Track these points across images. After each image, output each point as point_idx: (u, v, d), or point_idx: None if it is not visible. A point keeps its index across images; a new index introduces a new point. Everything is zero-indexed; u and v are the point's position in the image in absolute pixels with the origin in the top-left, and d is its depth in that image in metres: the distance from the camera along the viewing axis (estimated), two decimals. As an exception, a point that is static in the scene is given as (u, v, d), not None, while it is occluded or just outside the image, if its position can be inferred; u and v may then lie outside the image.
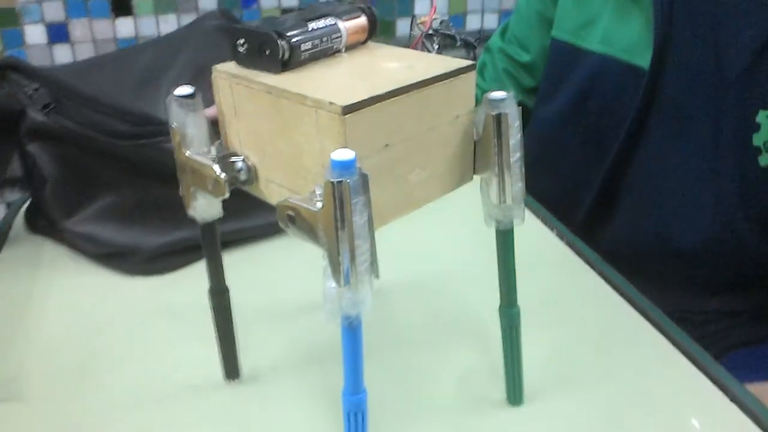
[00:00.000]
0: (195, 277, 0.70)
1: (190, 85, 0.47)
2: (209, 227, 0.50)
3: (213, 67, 0.47)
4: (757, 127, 0.80)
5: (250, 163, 0.47)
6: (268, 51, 0.44)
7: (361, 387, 0.44)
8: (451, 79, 0.44)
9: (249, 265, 0.74)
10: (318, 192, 0.40)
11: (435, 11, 0.54)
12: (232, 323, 0.55)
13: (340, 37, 0.47)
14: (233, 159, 0.47)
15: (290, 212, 0.40)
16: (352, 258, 0.39)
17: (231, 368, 0.56)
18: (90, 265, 0.76)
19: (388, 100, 0.41)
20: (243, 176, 0.47)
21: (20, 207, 0.88)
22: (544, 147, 1.02)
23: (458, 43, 0.52)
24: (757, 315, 0.91)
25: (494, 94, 0.45)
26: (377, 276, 0.41)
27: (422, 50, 0.54)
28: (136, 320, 0.67)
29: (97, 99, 0.71)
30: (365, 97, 0.39)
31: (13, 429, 0.54)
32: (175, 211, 0.52)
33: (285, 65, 0.44)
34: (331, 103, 0.39)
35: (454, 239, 0.80)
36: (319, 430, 0.53)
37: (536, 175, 1.11)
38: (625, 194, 0.93)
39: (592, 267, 0.74)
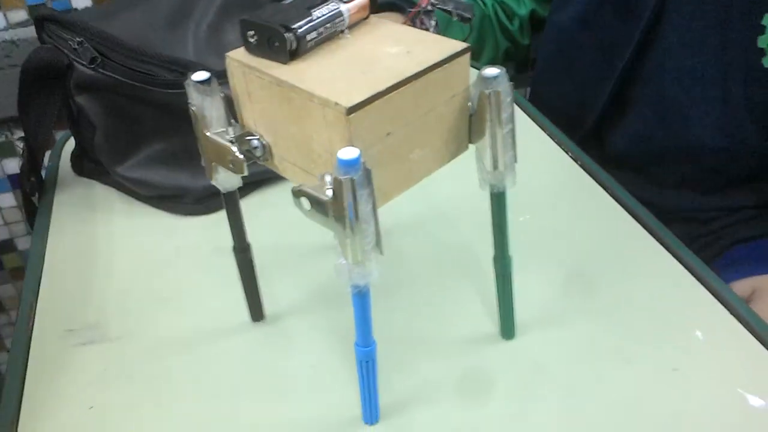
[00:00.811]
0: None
1: (206, 71, 0.51)
2: (231, 195, 0.56)
3: (226, 54, 0.51)
4: (761, 30, 0.83)
5: (264, 142, 0.51)
6: (277, 43, 0.47)
7: (370, 340, 0.50)
8: (447, 64, 0.48)
9: (268, 207, 0.81)
10: (327, 179, 0.44)
11: None
12: (255, 274, 0.61)
13: (343, 20, 0.50)
14: (249, 138, 0.52)
15: (303, 197, 0.46)
16: (360, 239, 0.44)
17: (256, 312, 0.64)
18: (142, 207, 0.83)
19: (388, 95, 0.45)
20: (258, 153, 0.52)
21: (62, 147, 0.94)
22: (560, 51, 1.07)
23: (455, 18, 0.54)
24: (762, 210, 0.99)
25: (487, 72, 0.49)
26: (381, 252, 0.46)
27: (420, 26, 0.57)
28: (194, 258, 0.74)
29: (142, 50, 0.74)
30: (367, 95, 0.43)
31: (97, 370, 0.61)
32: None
33: (293, 55, 0.48)
34: (336, 104, 0.43)
35: (458, 181, 0.84)
36: (335, 366, 0.60)
37: (551, 79, 1.16)
38: (637, 96, 0.98)
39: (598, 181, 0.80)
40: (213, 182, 0.55)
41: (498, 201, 0.55)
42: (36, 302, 0.69)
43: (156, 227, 0.80)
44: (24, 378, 0.61)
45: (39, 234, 0.79)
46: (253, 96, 0.50)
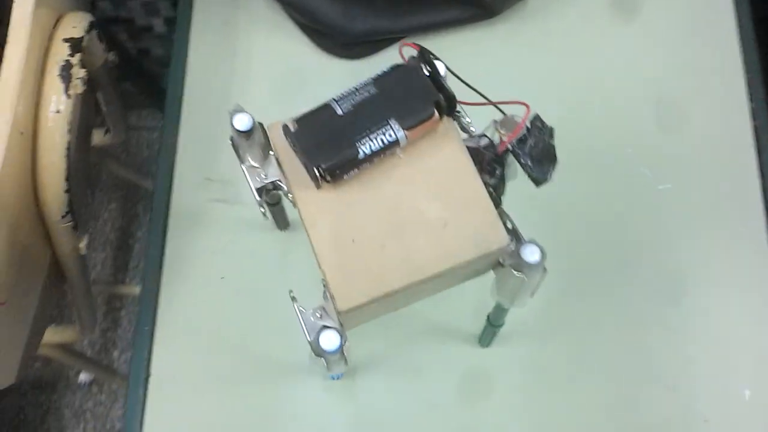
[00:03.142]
0: (382, 63, 0.76)
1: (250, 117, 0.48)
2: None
3: (268, 126, 0.47)
4: None
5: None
6: (309, 173, 0.44)
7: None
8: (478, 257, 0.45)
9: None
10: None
11: (519, 131, 0.43)
12: (285, 212, 0.64)
13: (398, 145, 0.45)
14: (270, 189, 0.51)
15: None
16: (329, 365, 0.49)
17: (282, 223, 0.68)
18: (286, 32, 0.79)
19: (393, 293, 0.44)
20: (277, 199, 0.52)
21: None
22: None
23: (521, 170, 0.43)
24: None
25: (530, 257, 0.45)
26: (347, 364, 0.51)
27: (486, 165, 0.47)
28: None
29: None
30: (367, 299, 0.44)
31: (231, 226, 0.69)
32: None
33: (326, 182, 0.45)
34: (333, 297, 0.44)
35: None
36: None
37: None
38: None
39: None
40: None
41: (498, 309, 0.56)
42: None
43: (298, 57, 0.78)
44: (164, 244, 0.69)
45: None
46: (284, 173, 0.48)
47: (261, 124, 0.49)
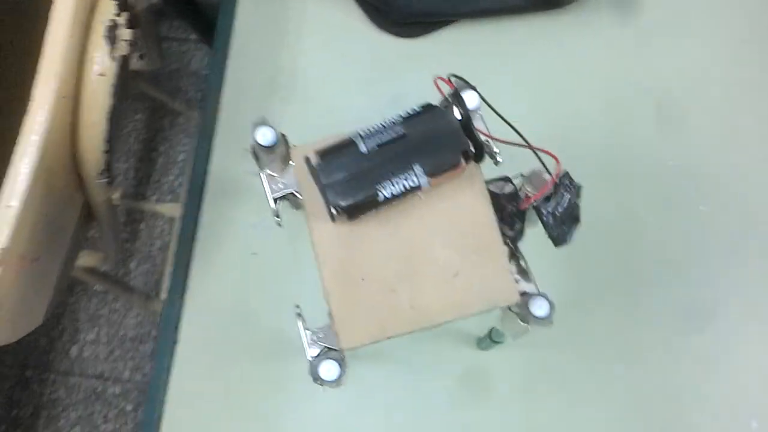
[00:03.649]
0: (432, 45, 0.76)
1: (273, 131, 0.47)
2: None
3: (292, 148, 0.46)
4: None
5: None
6: (326, 207, 0.44)
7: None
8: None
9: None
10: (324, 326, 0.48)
11: (545, 190, 0.40)
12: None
13: (420, 189, 0.44)
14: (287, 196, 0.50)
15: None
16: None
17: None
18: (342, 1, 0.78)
19: (393, 335, 0.45)
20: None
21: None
22: None
23: (545, 232, 0.41)
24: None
25: (538, 311, 0.45)
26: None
27: (507, 218, 0.45)
28: (376, 76, 0.75)
29: None
30: (368, 341, 0.44)
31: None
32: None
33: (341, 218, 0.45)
34: (336, 334, 0.44)
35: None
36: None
37: None
38: None
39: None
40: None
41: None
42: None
43: (352, 32, 0.77)
44: (198, 215, 0.70)
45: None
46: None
47: (284, 136, 0.48)
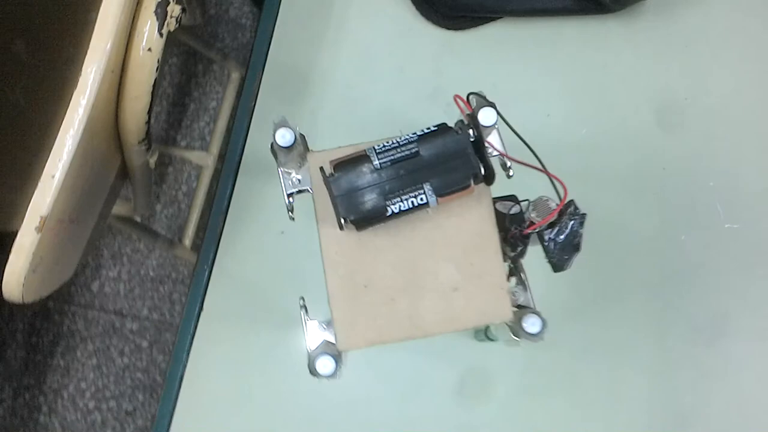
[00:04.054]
0: (476, 40, 0.77)
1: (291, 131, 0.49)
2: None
3: (310, 153, 0.48)
4: None
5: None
6: (336, 216, 0.46)
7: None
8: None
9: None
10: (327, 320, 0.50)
11: (550, 219, 0.41)
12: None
13: (428, 206, 0.46)
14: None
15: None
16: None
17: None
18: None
19: (388, 344, 0.47)
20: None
21: None
22: None
23: (545, 257, 0.41)
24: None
25: (530, 327, 0.47)
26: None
27: (509, 238, 0.45)
28: (418, 65, 0.76)
29: None
30: (363, 346, 0.47)
31: None
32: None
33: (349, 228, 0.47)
34: (335, 335, 0.47)
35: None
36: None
37: None
38: None
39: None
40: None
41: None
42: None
43: (398, 23, 0.77)
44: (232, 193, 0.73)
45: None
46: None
47: (303, 136, 0.50)
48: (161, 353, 1.43)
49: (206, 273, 0.71)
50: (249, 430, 0.69)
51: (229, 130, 1.17)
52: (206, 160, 1.31)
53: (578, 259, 0.47)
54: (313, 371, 0.48)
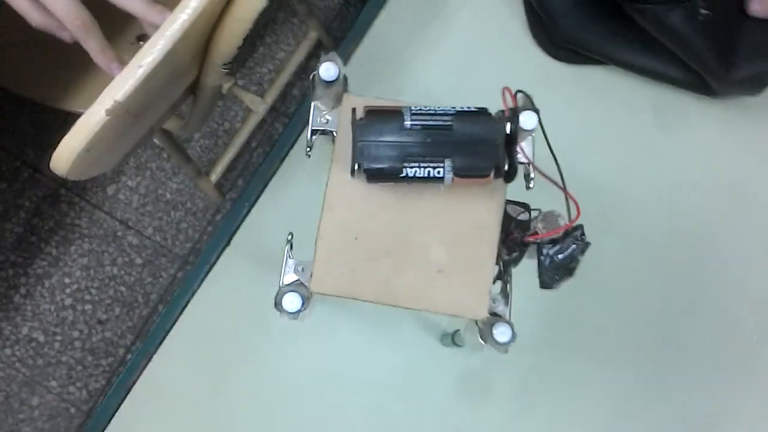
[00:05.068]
0: (574, 77, 0.79)
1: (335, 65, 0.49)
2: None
3: (346, 94, 0.49)
4: None
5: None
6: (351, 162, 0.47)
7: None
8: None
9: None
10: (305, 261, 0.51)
11: (554, 234, 0.41)
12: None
13: (442, 182, 0.46)
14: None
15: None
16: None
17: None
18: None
19: (357, 300, 0.48)
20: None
21: None
22: None
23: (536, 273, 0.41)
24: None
25: (500, 337, 0.47)
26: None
27: (509, 241, 0.45)
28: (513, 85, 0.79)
29: None
30: (334, 293, 0.47)
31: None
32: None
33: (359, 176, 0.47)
34: (311, 275, 0.47)
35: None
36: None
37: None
38: None
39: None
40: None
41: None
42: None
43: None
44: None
45: None
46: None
47: (346, 77, 0.50)
48: (151, 276, 1.45)
49: (245, 210, 0.72)
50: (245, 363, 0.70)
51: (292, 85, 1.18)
52: (258, 106, 1.32)
53: (566, 288, 0.47)
54: (278, 304, 0.49)
